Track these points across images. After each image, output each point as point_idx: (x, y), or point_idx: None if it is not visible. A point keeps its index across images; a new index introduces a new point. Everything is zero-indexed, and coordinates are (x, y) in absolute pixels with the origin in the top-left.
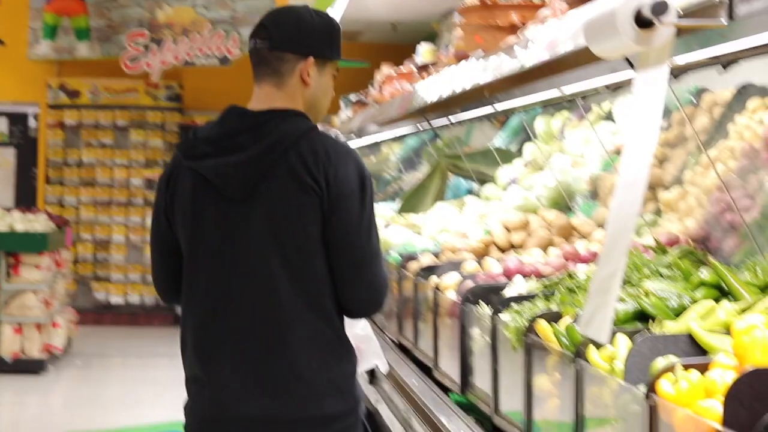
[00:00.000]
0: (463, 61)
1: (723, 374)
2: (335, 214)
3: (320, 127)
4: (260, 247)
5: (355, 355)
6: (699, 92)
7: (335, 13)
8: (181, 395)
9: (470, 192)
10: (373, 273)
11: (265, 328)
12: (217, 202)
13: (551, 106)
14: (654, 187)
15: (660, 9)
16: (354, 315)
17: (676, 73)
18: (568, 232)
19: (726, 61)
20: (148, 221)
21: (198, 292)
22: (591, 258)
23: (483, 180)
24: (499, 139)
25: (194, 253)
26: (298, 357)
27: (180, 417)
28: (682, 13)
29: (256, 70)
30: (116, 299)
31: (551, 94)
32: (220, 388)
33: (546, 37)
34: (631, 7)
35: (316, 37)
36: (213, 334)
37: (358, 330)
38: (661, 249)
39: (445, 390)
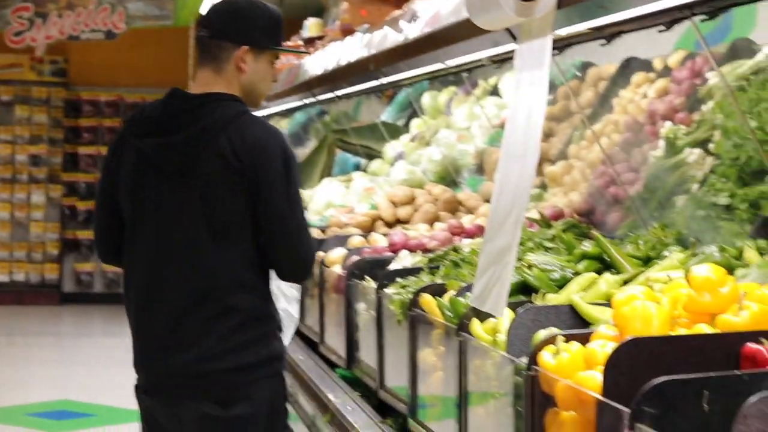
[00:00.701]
0: (349, 36)
1: (603, 345)
2: (262, 193)
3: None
4: (192, 223)
5: (273, 310)
6: (584, 66)
7: None
8: (68, 373)
9: (358, 167)
10: (301, 243)
11: (192, 293)
12: (156, 179)
13: (438, 81)
14: (539, 161)
15: None
16: (288, 280)
17: (560, 46)
18: (454, 207)
19: (609, 34)
20: (34, 198)
21: (137, 260)
22: (476, 232)
23: (370, 155)
24: (387, 114)
25: (134, 224)
26: (213, 316)
27: (66, 395)
28: None
29: (199, 57)
30: (1, 277)
31: (436, 67)
32: (153, 346)
33: (430, 11)
34: None
35: (253, 27)
36: (150, 300)
37: (280, 305)
38: (545, 223)
39: (332, 365)
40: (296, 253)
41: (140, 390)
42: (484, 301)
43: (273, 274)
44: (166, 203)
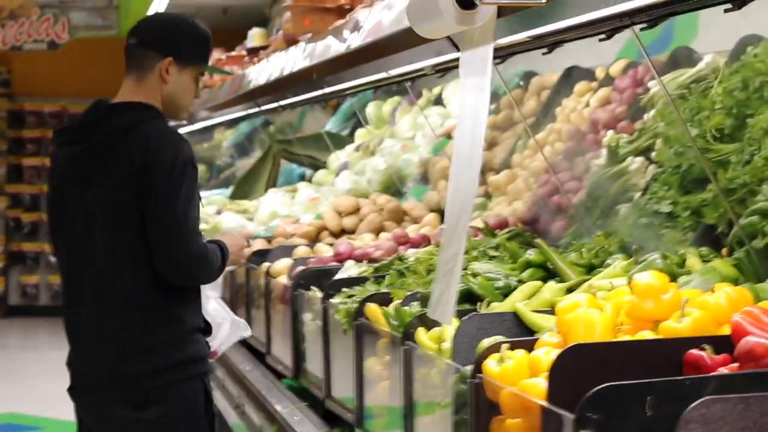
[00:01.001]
0: (292, 45)
1: (548, 352)
2: (151, 195)
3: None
4: (97, 227)
5: (189, 314)
6: (527, 76)
7: None
8: (13, 386)
9: (303, 178)
10: (183, 247)
11: (101, 294)
12: (71, 184)
13: (382, 92)
14: (483, 170)
15: None
16: (170, 280)
17: (502, 55)
18: (399, 216)
19: (550, 43)
20: None
21: (61, 264)
22: (421, 241)
23: (315, 166)
24: (331, 125)
25: (56, 230)
26: (123, 320)
27: (11, 408)
28: None
29: (126, 65)
30: None
31: (379, 76)
32: (76, 344)
33: (372, 20)
34: None
35: (180, 40)
36: (72, 302)
37: (210, 310)
38: (490, 232)
39: (279, 376)
40: (172, 255)
41: (70, 391)
42: (435, 310)
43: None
44: (78, 209)
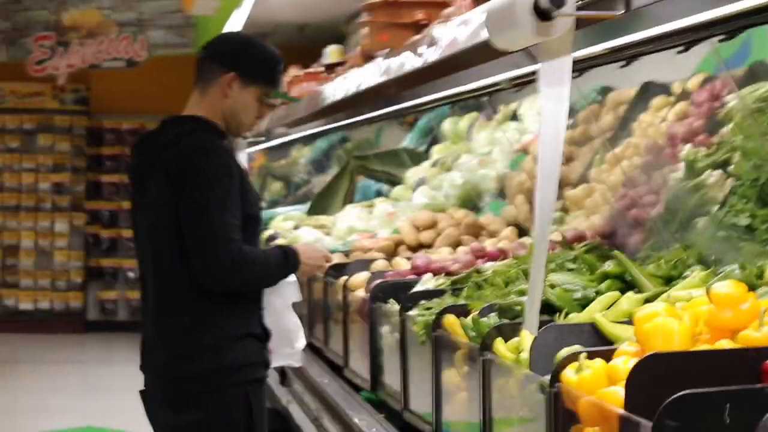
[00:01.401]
0: (369, 61)
1: (626, 361)
2: (184, 203)
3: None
4: (151, 234)
5: (235, 320)
6: (604, 91)
7: (241, 15)
8: (92, 400)
9: (379, 194)
10: (215, 253)
11: (154, 296)
12: (135, 194)
13: (459, 107)
14: (561, 184)
15: (558, 0)
16: (211, 288)
17: (580, 69)
18: (477, 231)
19: (628, 56)
20: (57, 226)
21: (140, 269)
22: (498, 255)
23: (392, 181)
24: (408, 141)
25: (134, 237)
26: (167, 324)
27: (90, 422)
28: (580, 3)
29: (194, 77)
30: (25, 305)
31: (456, 90)
32: (142, 348)
33: (449, 34)
34: None
35: (247, 57)
36: (142, 304)
37: (268, 322)
38: (567, 245)
39: (357, 389)
40: (205, 261)
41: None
42: (525, 321)
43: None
44: (136, 219)
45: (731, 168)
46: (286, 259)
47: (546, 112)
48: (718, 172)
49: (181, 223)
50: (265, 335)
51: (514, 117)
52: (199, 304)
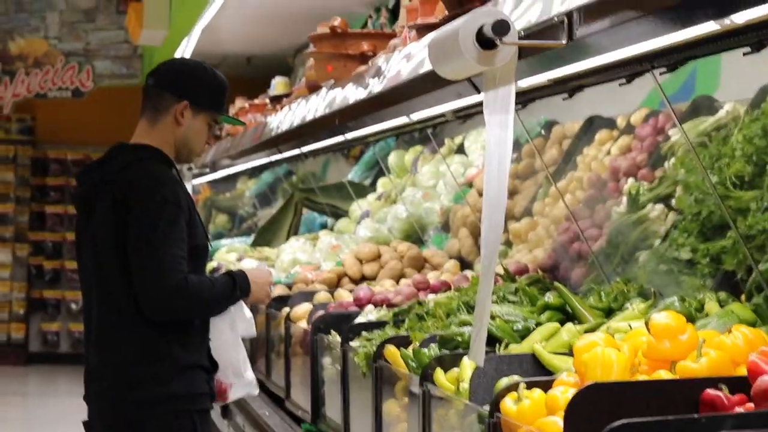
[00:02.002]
0: (315, 92)
1: (565, 391)
2: (130, 232)
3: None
4: (91, 262)
5: (182, 350)
6: (548, 125)
7: (189, 45)
8: None
9: (324, 226)
10: (158, 282)
11: (99, 325)
12: (80, 221)
13: (404, 141)
14: (504, 218)
15: (501, 29)
16: (155, 317)
17: (524, 101)
18: (420, 263)
19: (571, 88)
20: (0, 257)
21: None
22: (441, 287)
23: (337, 214)
24: (354, 174)
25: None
26: (114, 354)
27: None
28: (523, 33)
29: (142, 106)
30: None
31: (401, 121)
32: (85, 376)
33: (394, 65)
34: (473, 27)
35: (197, 85)
36: (85, 330)
37: (216, 353)
38: (509, 277)
39: (298, 421)
40: (147, 290)
41: (84, 424)
42: (470, 352)
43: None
44: (81, 247)
45: (673, 202)
46: (234, 284)
47: (491, 139)
48: (660, 206)
49: (128, 252)
50: (211, 366)
51: (458, 150)
52: (146, 333)
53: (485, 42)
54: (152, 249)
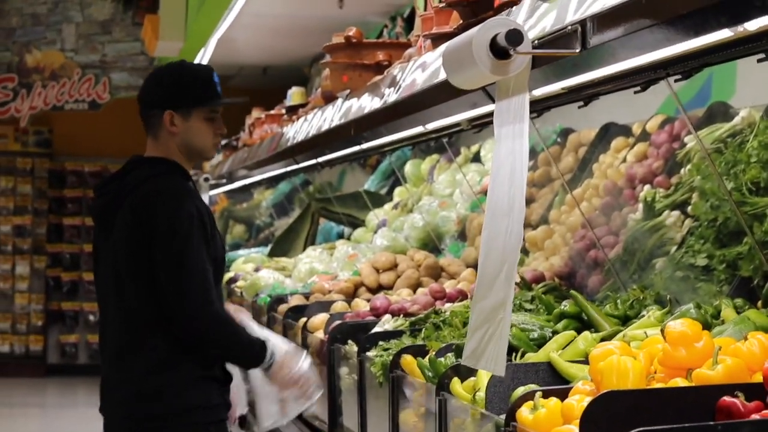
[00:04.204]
0: (330, 102)
1: (580, 399)
2: (153, 249)
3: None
4: (109, 276)
5: (197, 362)
6: (564, 132)
7: (205, 56)
8: None
9: (341, 236)
10: (180, 305)
11: (112, 340)
12: (98, 235)
13: (421, 150)
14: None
15: (515, 38)
16: (181, 336)
17: (539, 109)
18: (437, 272)
19: (585, 96)
20: (18, 269)
21: (98, 308)
22: (457, 296)
23: (354, 224)
24: (370, 183)
25: (94, 277)
26: (129, 365)
27: None
28: (536, 42)
29: (144, 127)
30: None
31: (416, 131)
32: (101, 389)
33: (409, 75)
34: (487, 37)
35: (173, 90)
36: (101, 342)
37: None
38: (526, 285)
39: (315, 431)
40: (178, 311)
41: None
42: (478, 360)
43: None
44: (99, 260)
45: (689, 209)
46: (261, 349)
47: (502, 149)
48: (676, 213)
49: (157, 268)
50: (224, 378)
51: (475, 159)
52: (161, 346)
53: (499, 51)
54: (175, 274)
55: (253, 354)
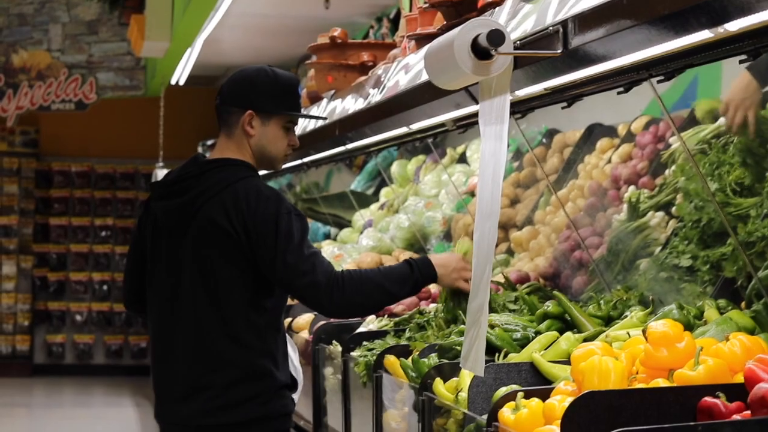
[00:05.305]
0: (315, 102)
1: (562, 399)
2: (257, 251)
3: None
4: (189, 281)
5: (276, 370)
6: (550, 133)
7: (192, 57)
8: None
9: (327, 236)
10: (302, 286)
11: (191, 347)
12: (165, 239)
13: (407, 151)
14: (506, 227)
15: (496, 39)
16: (327, 314)
17: (523, 110)
18: None
19: (569, 97)
20: (5, 269)
21: (153, 314)
22: None
23: (340, 224)
24: (356, 184)
25: (151, 279)
26: (211, 375)
27: None
28: (518, 43)
29: (218, 124)
30: None
31: (401, 131)
32: (163, 396)
33: (393, 75)
34: (468, 38)
35: (258, 92)
36: (161, 352)
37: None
38: (510, 286)
39: (301, 431)
40: (302, 294)
41: None
42: (466, 361)
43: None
44: (171, 263)
45: (674, 209)
46: (411, 267)
47: (486, 148)
48: (660, 214)
49: (266, 271)
50: (293, 385)
51: (460, 159)
52: (244, 353)
53: (480, 52)
54: (289, 264)
55: (408, 281)
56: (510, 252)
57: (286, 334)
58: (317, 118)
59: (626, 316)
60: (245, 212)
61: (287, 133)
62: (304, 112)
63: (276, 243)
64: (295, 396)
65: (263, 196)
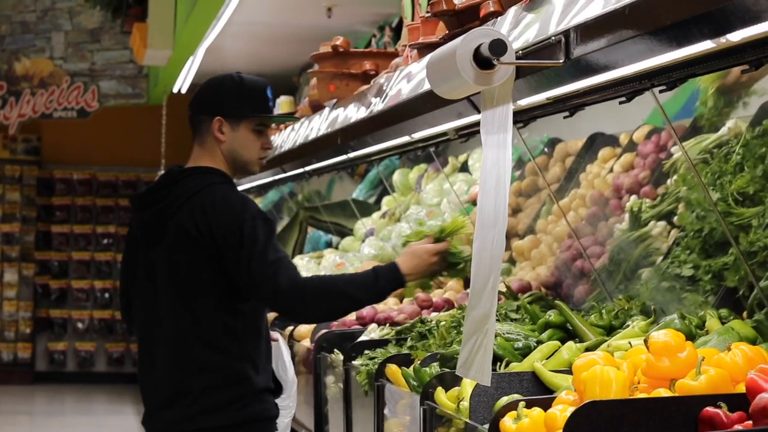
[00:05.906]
0: (318, 111)
1: (564, 409)
2: (224, 256)
3: None
4: (164, 287)
5: (253, 379)
6: (552, 143)
7: (194, 65)
8: None
9: (329, 245)
10: (265, 291)
11: (171, 354)
12: (144, 247)
13: (409, 159)
14: (508, 235)
15: (498, 49)
16: (290, 318)
17: (525, 119)
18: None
19: (571, 107)
20: (6, 276)
21: (135, 324)
22: (444, 305)
23: (342, 233)
24: (358, 192)
25: (133, 289)
26: (190, 379)
27: None
28: (520, 53)
29: (192, 133)
30: None
31: (403, 140)
32: (148, 402)
33: (395, 84)
34: (471, 47)
35: (225, 98)
36: (143, 360)
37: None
38: (512, 295)
39: None
40: (270, 297)
41: None
42: (468, 370)
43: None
44: (149, 271)
45: (675, 219)
46: (375, 273)
47: (487, 159)
48: (662, 223)
49: (236, 277)
50: (277, 389)
51: (462, 168)
52: (223, 358)
53: (482, 62)
54: (255, 269)
55: (374, 287)
56: (512, 261)
57: (282, 339)
58: (288, 118)
59: (628, 326)
60: (211, 218)
61: (259, 136)
62: (277, 113)
63: (240, 248)
64: (282, 400)
65: (229, 202)
